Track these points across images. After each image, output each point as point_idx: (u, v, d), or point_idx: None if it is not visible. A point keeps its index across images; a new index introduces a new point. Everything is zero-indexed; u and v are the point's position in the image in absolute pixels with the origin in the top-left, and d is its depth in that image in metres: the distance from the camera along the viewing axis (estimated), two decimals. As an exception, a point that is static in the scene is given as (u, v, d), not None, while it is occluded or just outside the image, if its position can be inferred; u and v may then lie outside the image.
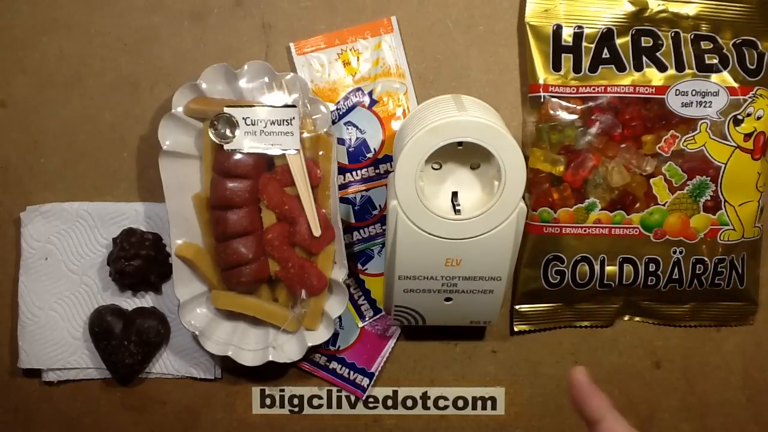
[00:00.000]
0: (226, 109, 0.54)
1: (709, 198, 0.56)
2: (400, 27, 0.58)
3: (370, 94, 0.58)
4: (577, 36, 0.56)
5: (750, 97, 0.55)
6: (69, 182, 0.60)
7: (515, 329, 0.60)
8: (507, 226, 0.49)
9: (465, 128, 0.47)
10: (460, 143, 0.48)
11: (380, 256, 0.60)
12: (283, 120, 0.54)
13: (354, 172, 0.58)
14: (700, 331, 0.61)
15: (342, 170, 0.58)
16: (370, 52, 0.58)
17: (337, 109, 0.58)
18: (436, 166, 0.51)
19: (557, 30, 0.56)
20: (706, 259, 0.57)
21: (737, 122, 0.55)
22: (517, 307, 0.60)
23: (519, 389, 0.62)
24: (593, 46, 0.56)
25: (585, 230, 0.57)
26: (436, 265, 0.50)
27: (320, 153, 0.56)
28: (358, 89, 0.58)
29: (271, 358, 0.57)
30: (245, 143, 0.55)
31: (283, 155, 0.55)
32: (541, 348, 0.62)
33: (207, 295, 0.58)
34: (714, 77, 0.55)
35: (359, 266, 0.60)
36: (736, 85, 0.55)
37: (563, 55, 0.56)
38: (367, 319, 0.60)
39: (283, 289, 0.58)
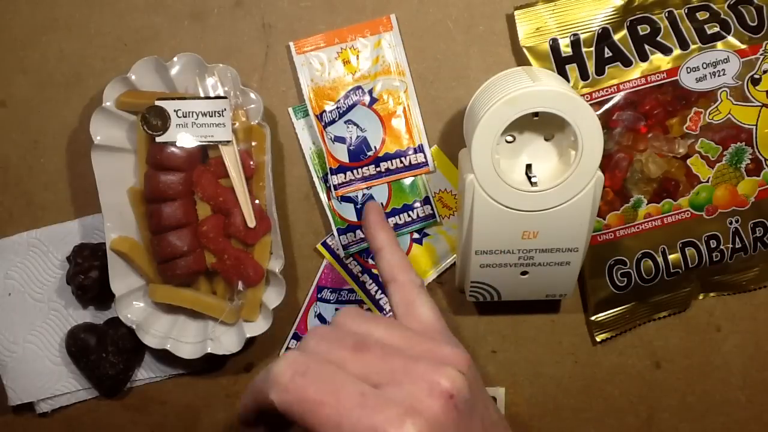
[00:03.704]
0: (157, 102, 0.55)
1: (749, 162, 0.56)
2: (400, 26, 0.58)
3: (370, 92, 0.58)
4: (575, 44, 0.56)
5: (761, 54, 0.55)
6: (69, 182, 0.60)
7: (597, 339, 0.61)
8: (584, 196, 0.49)
9: (542, 98, 0.47)
10: (536, 114, 0.47)
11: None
12: (215, 111, 0.55)
13: (355, 171, 0.58)
14: (700, 331, 0.61)
15: (343, 169, 0.58)
16: (370, 50, 0.58)
17: (337, 107, 0.58)
18: (509, 138, 0.51)
19: (554, 44, 0.56)
20: (763, 220, 0.58)
21: (755, 82, 0.55)
22: (593, 318, 0.60)
23: (519, 389, 0.62)
24: (593, 49, 0.56)
25: (638, 227, 0.57)
26: (513, 238, 0.51)
27: (253, 144, 0.56)
28: (358, 87, 0.58)
29: (209, 351, 0.57)
30: (177, 135, 0.55)
31: (217, 147, 0.56)
32: (541, 348, 0.62)
33: (144, 288, 0.59)
34: (720, 45, 0.55)
35: (370, 261, 0.60)
36: (743, 46, 0.55)
37: (567, 66, 0.56)
38: (387, 312, 0.60)
39: (221, 281, 0.58)
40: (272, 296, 0.58)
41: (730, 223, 0.57)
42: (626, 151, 0.56)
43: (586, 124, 0.47)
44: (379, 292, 0.60)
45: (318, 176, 0.59)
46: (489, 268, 0.53)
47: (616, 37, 0.56)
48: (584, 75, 0.56)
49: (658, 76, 0.55)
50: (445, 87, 0.59)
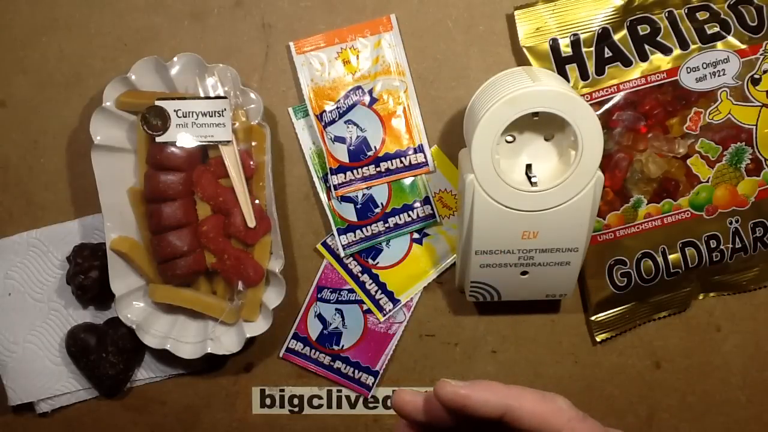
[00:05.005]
0: (157, 102, 0.55)
1: (749, 162, 0.56)
2: (400, 26, 0.58)
3: (370, 92, 0.58)
4: (575, 44, 0.56)
5: (761, 54, 0.55)
6: (69, 182, 0.60)
7: (597, 339, 0.61)
8: (584, 196, 0.49)
9: (542, 98, 0.47)
10: (535, 114, 0.47)
11: (388, 247, 0.60)
12: (215, 111, 0.55)
13: (355, 171, 0.58)
14: (700, 331, 0.61)
15: (343, 169, 0.58)
16: (370, 50, 0.58)
17: (337, 107, 0.58)
18: (509, 138, 0.51)
19: (554, 44, 0.56)
20: (763, 220, 0.58)
21: (755, 82, 0.55)
22: (593, 318, 0.60)
23: (519, 389, 0.62)
24: (593, 49, 0.56)
25: (638, 227, 0.57)
26: (512, 238, 0.51)
27: (253, 144, 0.56)
28: (358, 87, 0.58)
29: (209, 351, 0.57)
30: (177, 135, 0.55)
31: (217, 147, 0.56)
32: (541, 348, 0.62)
33: (144, 288, 0.59)
34: (720, 45, 0.55)
35: (370, 261, 0.60)
36: (743, 46, 0.55)
37: (567, 66, 0.56)
38: (387, 312, 0.60)
39: (221, 281, 0.58)
40: (272, 296, 0.58)
41: (730, 223, 0.57)
42: (626, 151, 0.56)
43: (586, 124, 0.47)
44: (379, 291, 0.60)
45: (318, 176, 0.59)
46: (489, 268, 0.53)
47: (616, 37, 0.56)
48: (584, 75, 0.56)
49: (658, 76, 0.55)
50: (445, 87, 0.59)
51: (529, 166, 0.51)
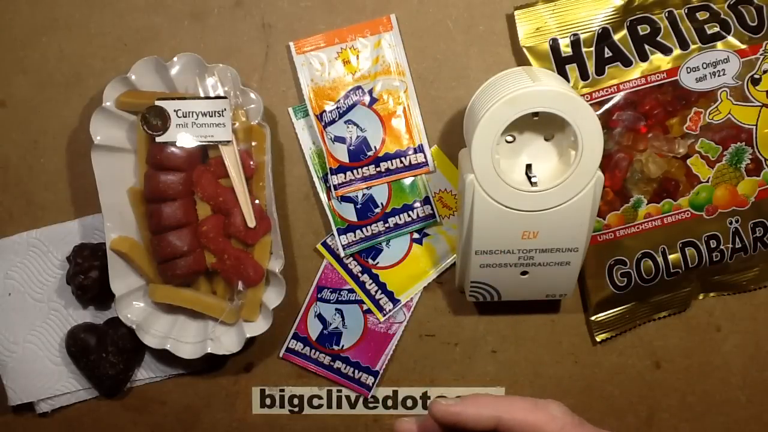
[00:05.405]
0: (157, 102, 0.55)
1: (749, 162, 0.56)
2: (400, 26, 0.58)
3: (370, 92, 0.58)
4: (575, 44, 0.56)
5: (761, 54, 0.55)
6: (69, 182, 0.60)
7: (597, 339, 0.61)
8: (584, 196, 0.49)
9: (542, 98, 0.47)
10: (535, 114, 0.47)
11: (388, 247, 0.60)
12: (215, 111, 0.55)
13: (355, 171, 0.58)
14: (700, 331, 0.61)
15: (343, 169, 0.58)
16: (370, 50, 0.58)
17: (337, 107, 0.58)
18: (509, 138, 0.51)
19: (554, 44, 0.56)
20: (763, 220, 0.58)
21: (755, 82, 0.55)
22: (593, 318, 0.60)
23: (519, 389, 0.62)
24: (593, 49, 0.56)
25: (638, 227, 0.57)
26: (513, 238, 0.51)
27: (253, 144, 0.56)
28: (358, 87, 0.58)
29: (209, 351, 0.57)
30: (177, 135, 0.55)
31: (217, 147, 0.56)
32: (541, 348, 0.62)
33: (144, 288, 0.59)
34: (720, 45, 0.55)
35: (370, 261, 0.60)
36: (743, 46, 0.55)
37: (567, 66, 0.56)
38: (387, 312, 0.60)
39: (221, 281, 0.58)
40: (272, 296, 0.58)
41: (730, 223, 0.57)
42: (626, 151, 0.56)
43: (586, 124, 0.47)
44: (379, 291, 0.60)
45: (318, 176, 0.59)
46: (489, 268, 0.53)
47: (616, 37, 0.56)
48: (584, 75, 0.56)
49: (658, 76, 0.55)
50: (445, 87, 0.59)
51: (529, 166, 0.51)
